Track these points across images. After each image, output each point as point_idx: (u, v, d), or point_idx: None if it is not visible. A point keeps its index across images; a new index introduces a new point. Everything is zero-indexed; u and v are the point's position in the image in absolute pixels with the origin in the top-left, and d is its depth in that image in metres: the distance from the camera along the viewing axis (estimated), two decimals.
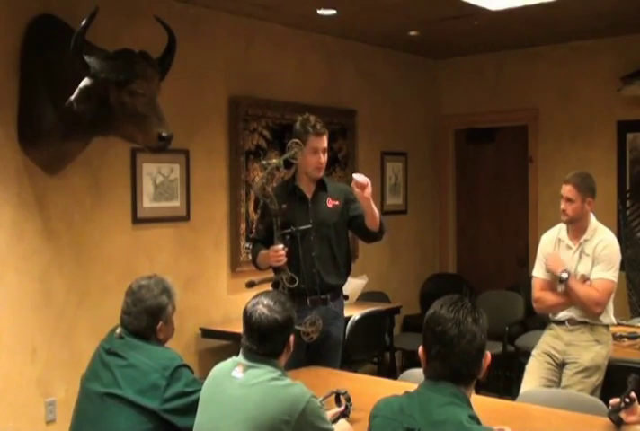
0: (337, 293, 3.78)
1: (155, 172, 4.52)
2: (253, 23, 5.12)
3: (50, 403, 4.00)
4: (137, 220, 4.43)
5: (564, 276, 3.61)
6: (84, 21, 3.28)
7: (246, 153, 5.06)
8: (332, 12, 4.94)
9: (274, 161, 3.45)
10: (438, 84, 6.79)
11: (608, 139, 5.87)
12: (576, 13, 5.09)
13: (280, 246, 3.43)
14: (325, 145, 3.67)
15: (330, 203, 3.73)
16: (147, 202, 4.48)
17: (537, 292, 3.76)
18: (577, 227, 3.69)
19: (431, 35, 5.75)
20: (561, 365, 3.65)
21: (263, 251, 3.58)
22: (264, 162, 3.53)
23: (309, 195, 3.73)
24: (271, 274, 3.59)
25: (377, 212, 3.60)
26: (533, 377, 3.65)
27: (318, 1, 4.73)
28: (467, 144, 6.80)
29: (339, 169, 5.80)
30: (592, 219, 3.72)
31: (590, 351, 3.58)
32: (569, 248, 3.71)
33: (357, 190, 3.46)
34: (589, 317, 3.63)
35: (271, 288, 3.54)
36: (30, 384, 3.93)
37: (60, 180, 4.04)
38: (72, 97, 3.47)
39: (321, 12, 4.93)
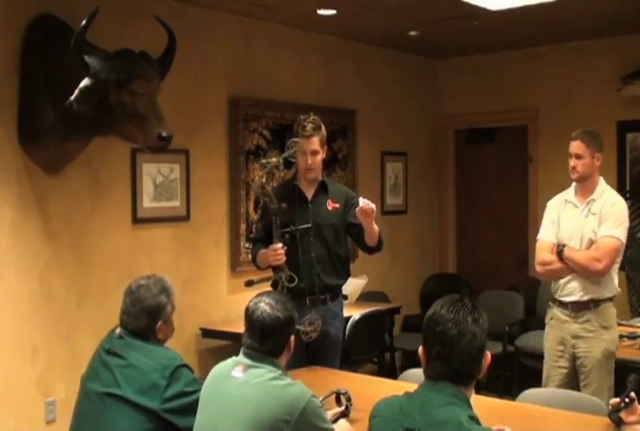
0: (336, 293, 3.78)
1: (155, 172, 4.52)
2: (253, 23, 5.12)
3: (50, 403, 4.00)
4: (137, 220, 4.43)
5: (559, 249, 3.58)
6: (84, 22, 3.28)
7: (246, 153, 5.06)
8: (332, 12, 4.94)
9: (274, 159, 3.44)
10: (438, 84, 6.79)
11: (609, 139, 5.85)
12: (576, 13, 5.09)
13: (279, 245, 3.43)
14: (314, 147, 3.62)
15: (330, 205, 3.72)
16: (147, 202, 4.48)
17: (543, 254, 3.67)
18: (586, 186, 3.64)
19: (431, 35, 5.75)
20: (573, 357, 3.61)
21: (263, 250, 3.58)
22: (264, 160, 3.51)
23: (309, 195, 3.72)
24: (270, 273, 3.59)
25: (377, 231, 3.58)
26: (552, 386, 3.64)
27: (318, 1, 4.73)
28: (467, 144, 6.80)
29: (339, 169, 5.79)
30: (601, 180, 3.67)
31: (600, 341, 3.53)
32: (575, 206, 3.66)
33: (361, 217, 3.43)
34: (592, 292, 3.55)
35: (270, 288, 3.55)
36: (30, 384, 3.93)
37: (60, 180, 4.04)
38: (72, 97, 3.48)
39: (321, 12, 4.93)
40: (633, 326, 4.33)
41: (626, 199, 5.61)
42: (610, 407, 2.57)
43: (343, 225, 3.74)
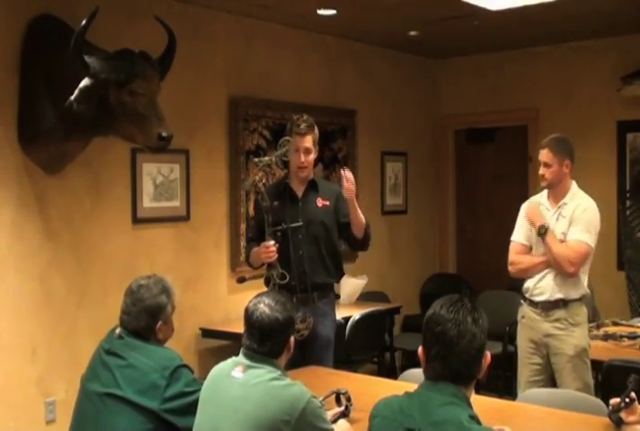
0: (326, 292, 3.79)
1: (155, 172, 4.52)
2: (253, 23, 5.12)
3: (50, 403, 4.00)
4: (137, 220, 4.43)
5: (542, 230, 3.62)
6: (84, 22, 3.28)
7: (246, 153, 5.06)
8: (332, 12, 4.94)
9: (266, 158, 3.49)
10: (438, 84, 6.79)
11: (608, 139, 5.87)
12: (576, 13, 5.09)
13: (271, 242, 3.46)
14: (307, 144, 3.66)
15: (320, 203, 3.75)
16: (147, 202, 4.48)
17: (513, 255, 3.80)
18: (557, 191, 3.70)
19: (431, 35, 5.75)
20: (547, 356, 3.66)
21: (255, 248, 3.61)
22: (256, 159, 3.57)
23: (300, 194, 3.76)
24: (263, 271, 3.62)
25: (362, 218, 3.62)
26: (523, 386, 3.68)
27: (318, 1, 4.73)
28: (467, 144, 6.80)
29: (339, 169, 5.78)
30: (573, 185, 3.73)
31: (571, 338, 3.58)
32: (547, 210, 3.73)
33: (346, 186, 3.49)
34: (561, 292, 3.61)
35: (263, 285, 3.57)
36: (30, 384, 3.93)
37: (60, 180, 4.04)
38: (72, 97, 3.48)
39: (321, 12, 4.93)
40: (633, 326, 4.33)
41: (626, 199, 5.68)
42: (610, 407, 2.57)
43: (334, 223, 3.76)
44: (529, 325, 3.72)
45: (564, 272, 3.59)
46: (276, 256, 3.46)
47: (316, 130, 3.73)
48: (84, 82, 3.44)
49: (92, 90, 3.44)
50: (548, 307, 3.64)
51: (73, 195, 4.12)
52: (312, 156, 3.71)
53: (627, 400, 2.52)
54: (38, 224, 3.96)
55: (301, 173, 3.72)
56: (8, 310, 3.84)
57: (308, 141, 3.66)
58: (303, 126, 3.64)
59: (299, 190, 3.76)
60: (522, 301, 3.80)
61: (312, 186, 3.78)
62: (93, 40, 3.49)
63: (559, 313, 3.62)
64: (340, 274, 3.87)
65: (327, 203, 3.75)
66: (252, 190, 3.46)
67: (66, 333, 4.08)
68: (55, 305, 4.04)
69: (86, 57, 3.34)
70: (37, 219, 3.96)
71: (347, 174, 3.48)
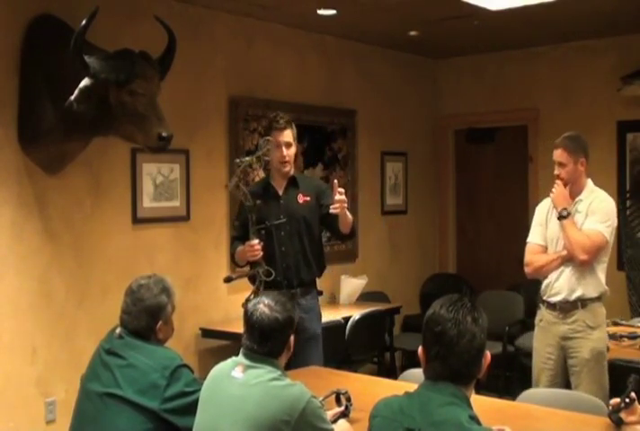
0: (308, 288, 3.81)
1: (155, 172, 4.52)
2: (253, 23, 5.12)
3: (50, 403, 4.00)
4: (137, 220, 4.43)
5: (564, 213, 3.56)
6: (84, 21, 3.28)
7: (246, 154, 5.04)
8: (332, 12, 4.94)
9: (247, 158, 3.54)
10: (438, 84, 6.79)
11: (608, 139, 5.87)
12: (576, 13, 5.09)
13: (256, 241, 3.50)
14: (288, 139, 3.72)
15: (301, 199, 3.79)
16: (147, 202, 4.48)
17: (530, 256, 3.72)
18: (572, 190, 3.64)
19: (431, 35, 5.76)
20: (562, 359, 3.61)
21: (240, 247, 3.65)
22: (238, 160, 3.61)
23: (281, 191, 3.80)
24: (248, 269, 3.66)
25: (350, 218, 3.63)
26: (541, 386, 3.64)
27: (318, 1, 4.73)
28: (467, 144, 6.80)
29: (339, 169, 5.79)
30: (589, 183, 3.68)
31: (587, 341, 3.53)
32: None
33: (337, 205, 3.47)
34: (579, 290, 3.55)
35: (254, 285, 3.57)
36: (30, 384, 3.93)
37: (60, 180, 4.04)
38: (72, 97, 3.48)
39: (321, 12, 4.93)
40: (633, 326, 4.32)
41: (626, 199, 5.68)
42: (610, 407, 2.57)
43: (316, 219, 3.80)
44: (547, 328, 3.65)
45: (577, 260, 3.52)
46: (261, 254, 3.50)
47: (294, 126, 3.79)
48: (84, 82, 3.44)
49: (92, 90, 3.44)
50: (567, 308, 3.58)
51: (73, 195, 4.12)
52: (293, 150, 3.77)
53: (627, 400, 2.52)
54: (38, 224, 3.96)
55: (283, 168, 3.76)
56: (8, 310, 3.84)
57: (288, 135, 3.73)
58: (281, 121, 3.71)
59: (280, 188, 3.81)
60: (540, 304, 3.73)
61: (292, 182, 3.83)
62: (93, 40, 3.50)
63: (577, 315, 3.55)
64: (322, 269, 3.92)
65: (308, 198, 3.80)
66: (235, 191, 3.49)
67: (66, 333, 4.08)
68: (55, 305, 4.04)
69: (86, 57, 3.34)
70: (37, 219, 3.96)
71: (338, 188, 3.47)
